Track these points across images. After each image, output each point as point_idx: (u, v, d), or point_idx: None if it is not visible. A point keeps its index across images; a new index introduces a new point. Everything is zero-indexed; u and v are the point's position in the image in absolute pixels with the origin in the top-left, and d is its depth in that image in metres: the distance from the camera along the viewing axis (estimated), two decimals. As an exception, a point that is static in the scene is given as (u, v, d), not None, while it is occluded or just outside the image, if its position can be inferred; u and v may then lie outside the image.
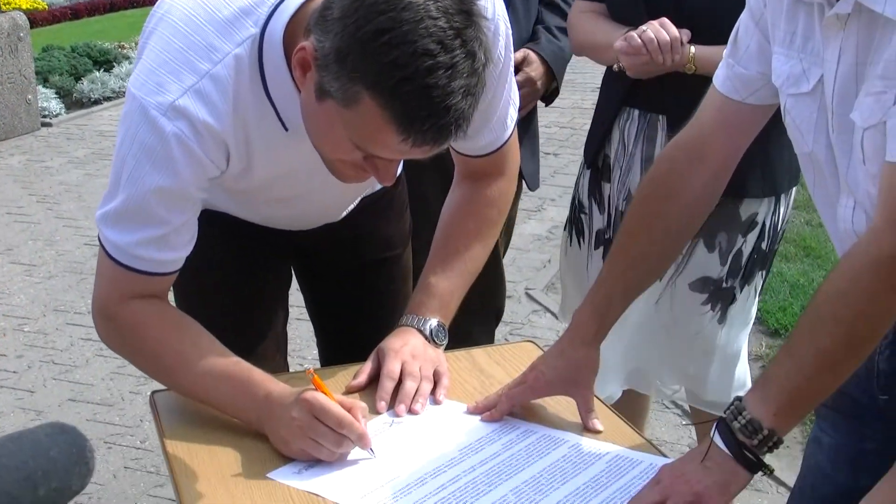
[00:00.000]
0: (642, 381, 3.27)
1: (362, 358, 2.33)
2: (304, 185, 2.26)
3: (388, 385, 2.22)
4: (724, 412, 1.80)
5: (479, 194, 2.44)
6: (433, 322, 2.34)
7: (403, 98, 1.71)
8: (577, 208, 3.27)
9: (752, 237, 2.99)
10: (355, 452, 2.00)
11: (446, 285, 2.38)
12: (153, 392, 2.27)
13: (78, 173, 8.44)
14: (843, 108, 1.77)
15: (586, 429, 2.14)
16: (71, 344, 5.38)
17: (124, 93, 1.98)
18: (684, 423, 4.66)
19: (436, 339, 2.33)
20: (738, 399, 1.79)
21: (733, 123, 2.08)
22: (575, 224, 3.30)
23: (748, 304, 3.10)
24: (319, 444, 1.97)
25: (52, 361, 5.27)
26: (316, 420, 1.96)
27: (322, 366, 2.68)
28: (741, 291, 3.04)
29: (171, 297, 2.26)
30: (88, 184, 8.06)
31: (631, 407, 3.32)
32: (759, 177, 2.89)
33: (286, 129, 2.05)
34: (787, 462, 4.08)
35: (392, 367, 2.24)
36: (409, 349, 2.27)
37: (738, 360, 3.13)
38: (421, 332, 2.33)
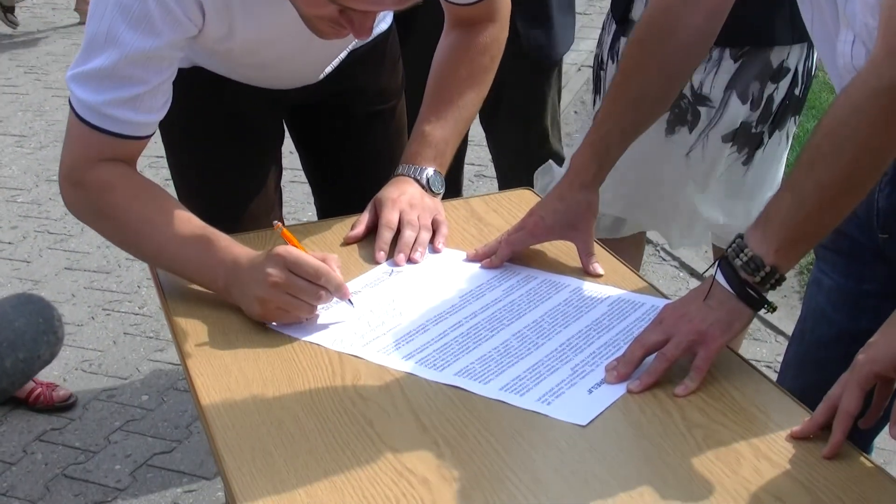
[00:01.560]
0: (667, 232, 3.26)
1: (359, 210, 2.32)
2: (286, 47, 2.23)
3: (386, 235, 2.20)
4: (726, 250, 1.79)
5: (470, 41, 2.39)
6: (429, 171, 2.32)
7: None
8: (597, 65, 3.21)
9: (785, 84, 2.94)
10: (329, 315, 1.98)
11: (441, 134, 2.35)
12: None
13: (64, 43, 8.36)
14: None
15: (587, 273, 2.13)
16: (65, 213, 5.35)
17: (108, -39, 1.96)
18: (681, 274, 4.68)
19: (432, 188, 2.31)
20: (740, 237, 1.77)
21: None
22: (595, 82, 3.25)
23: (779, 150, 3.05)
24: (298, 298, 1.93)
25: (46, 231, 5.26)
26: (292, 274, 1.91)
27: (319, 219, 2.66)
28: (770, 136, 3.00)
29: (153, 171, 2.23)
30: (75, 53, 7.91)
31: (625, 256, 3.30)
32: (789, 24, 2.83)
33: None
34: (785, 311, 4.10)
35: (390, 217, 2.22)
36: (406, 198, 2.25)
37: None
38: (417, 181, 2.30)
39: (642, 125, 2.16)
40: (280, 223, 2.04)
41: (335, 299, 1.97)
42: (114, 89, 1.98)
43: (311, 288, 1.92)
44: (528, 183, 2.75)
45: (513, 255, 2.16)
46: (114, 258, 4.90)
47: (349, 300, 1.97)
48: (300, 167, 2.85)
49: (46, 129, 6.53)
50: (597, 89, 3.23)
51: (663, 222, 3.22)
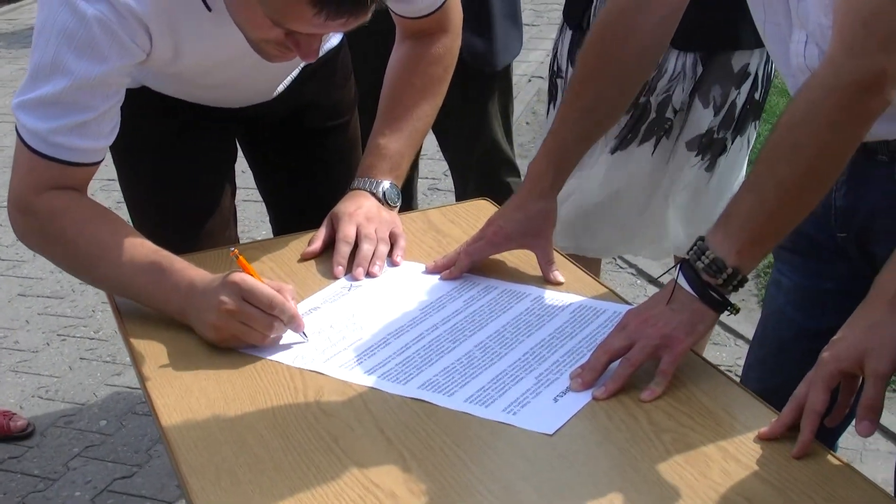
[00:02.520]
0: (641, 248, 3.27)
1: (315, 226, 2.30)
2: (235, 69, 2.21)
3: (344, 249, 2.19)
4: (688, 253, 1.78)
5: (423, 52, 2.39)
6: (385, 184, 2.31)
7: None
8: (554, 73, 3.21)
9: (746, 88, 2.95)
10: (288, 336, 1.95)
11: (396, 146, 2.34)
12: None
13: (11, 68, 8.31)
14: None
15: (548, 281, 2.13)
16: (16, 240, 5.23)
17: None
18: (639, 281, 4.68)
19: (389, 201, 2.30)
20: (701, 239, 1.77)
21: None
22: (550, 90, 3.24)
23: (741, 156, 3.06)
24: (250, 327, 1.90)
25: (-2, 258, 5.22)
26: (245, 302, 1.89)
27: (275, 236, 2.64)
28: (732, 142, 3.01)
29: (105, 194, 2.20)
30: (22, 78, 7.89)
31: (583, 262, 3.30)
32: (751, 28, 2.84)
33: (209, 10, 1.99)
34: (743, 315, 4.06)
35: (347, 231, 2.20)
36: (363, 212, 2.24)
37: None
38: (374, 194, 2.29)
39: (598, 130, 2.16)
40: (236, 250, 2.02)
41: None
42: (61, 116, 1.95)
43: (264, 318, 1.90)
44: (482, 193, 2.74)
45: (472, 265, 2.15)
46: (67, 283, 4.85)
47: (303, 332, 1.95)
48: (253, 186, 2.83)
49: (-6, 156, 6.50)
50: (552, 97, 3.22)
51: (633, 243, 3.23)
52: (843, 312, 1.68)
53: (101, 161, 2.06)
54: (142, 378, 1.89)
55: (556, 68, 3.17)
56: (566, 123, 2.11)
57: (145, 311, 2.05)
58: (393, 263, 2.22)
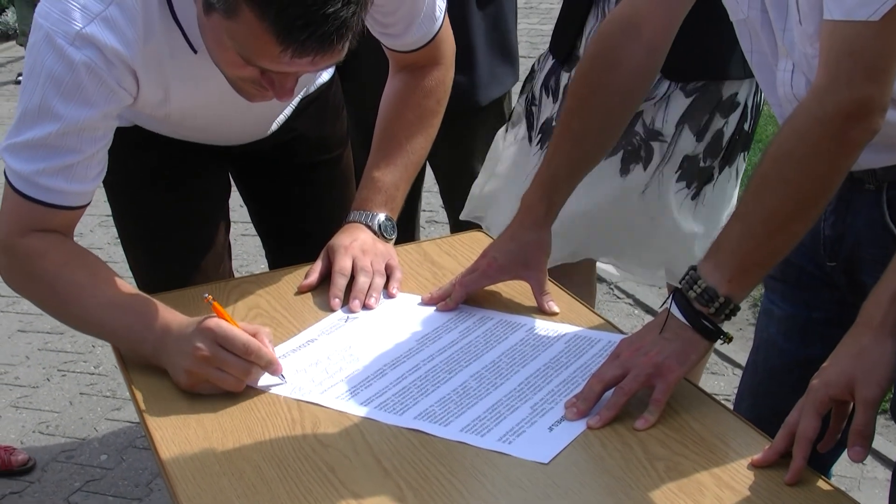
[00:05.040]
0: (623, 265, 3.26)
1: (311, 259, 2.32)
2: (224, 109, 2.23)
3: (340, 282, 2.21)
4: (680, 282, 1.80)
5: (416, 85, 2.41)
6: (381, 217, 2.33)
7: (278, 6, 1.68)
8: (528, 101, 3.21)
9: (735, 118, 2.94)
10: (266, 378, 1.94)
11: (391, 179, 2.36)
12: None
13: (8, 106, 8.32)
14: None
15: (542, 311, 2.15)
16: (16, 276, 5.30)
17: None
18: (636, 311, 4.69)
19: (384, 234, 2.32)
20: (693, 268, 1.79)
21: None
22: (527, 118, 3.24)
23: (728, 186, 3.05)
24: (226, 373, 1.90)
25: (-3, 295, 5.22)
26: (221, 348, 1.88)
27: (271, 270, 2.65)
28: (720, 172, 3.00)
29: (104, 229, 2.21)
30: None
31: (577, 292, 3.29)
32: (741, 58, 2.85)
33: (195, 51, 2.02)
34: (741, 344, 4.11)
35: (343, 264, 2.22)
36: (358, 245, 2.26)
37: None
38: (369, 227, 2.31)
39: (590, 160, 2.17)
40: (210, 296, 2.00)
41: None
42: (47, 159, 1.97)
43: (240, 363, 1.89)
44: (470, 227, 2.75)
45: (467, 296, 2.16)
46: (67, 319, 4.85)
47: (281, 375, 1.94)
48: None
49: (-7, 193, 6.49)
50: (529, 125, 3.21)
51: (616, 253, 3.21)
52: (833, 341, 1.70)
53: (87, 205, 2.08)
54: (140, 410, 1.90)
55: (530, 95, 3.16)
56: (558, 153, 2.13)
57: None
58: (389, 295, 2.23)
